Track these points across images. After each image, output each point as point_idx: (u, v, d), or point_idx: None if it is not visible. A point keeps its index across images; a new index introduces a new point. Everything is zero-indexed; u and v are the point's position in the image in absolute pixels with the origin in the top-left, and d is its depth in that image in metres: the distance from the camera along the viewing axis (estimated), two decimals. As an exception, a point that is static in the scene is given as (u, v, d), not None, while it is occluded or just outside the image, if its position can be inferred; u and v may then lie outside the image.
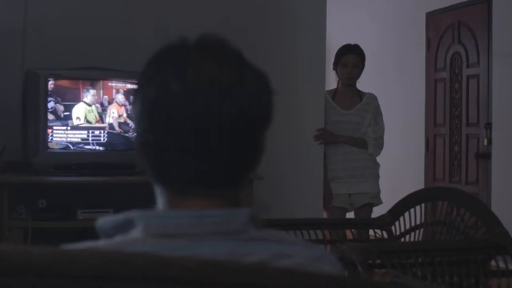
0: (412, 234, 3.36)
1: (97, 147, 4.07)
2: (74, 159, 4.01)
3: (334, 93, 4.76)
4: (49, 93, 3.95)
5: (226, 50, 1.09)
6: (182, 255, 0.86)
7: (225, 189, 1.08)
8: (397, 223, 3.40)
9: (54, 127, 3.97)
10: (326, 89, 4.82)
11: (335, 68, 4.73)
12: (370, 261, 2.56)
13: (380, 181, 4.72)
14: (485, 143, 5.97)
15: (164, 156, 1.05)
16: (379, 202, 4.65)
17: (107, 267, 0.77)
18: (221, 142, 1.04)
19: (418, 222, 3.35)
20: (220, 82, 1.04)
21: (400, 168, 6.81)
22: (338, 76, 4.74)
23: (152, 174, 1.09)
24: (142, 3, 4.41)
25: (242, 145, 1.06)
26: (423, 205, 3.35)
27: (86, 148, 4.05)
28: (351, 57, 4.64)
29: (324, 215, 4.75)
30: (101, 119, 4.06)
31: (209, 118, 1.03)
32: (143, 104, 1.07)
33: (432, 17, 6.76)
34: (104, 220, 1.07)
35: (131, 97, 1.11)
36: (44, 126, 3.93)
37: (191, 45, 1.09)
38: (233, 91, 1.05)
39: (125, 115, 4.06)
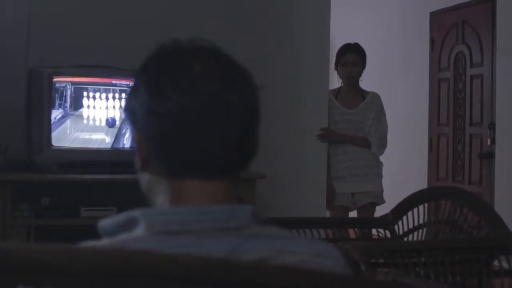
0: (415, 233, 3.36)
1: (101, 145, 4.07)
2: (77, 157, 4.02)
3: (337, 92, 4.76)
4: (53, 91, 3.95)
5: (218, 49, 1.14)
6: (185, 252, 0.86)
7: (231, 174, 1.10)
8: (400, 222, 3.39)
9: (57, 125, 3.97)
10: (329, 88, 4.83)
11: (336, 68, 4.74)
12: (372, 260, 2.56)
13: (383, 180, 4.72)
14: (489, 143, 5.96)
15: (179, 142, 1.06)
16: (382, 201, 4.65)
17: (110, 265, 0.77)
18: (229, 129, 1.07)
19: (421, 222, 3.34)
20: (224, 75, 1.09)
21: (403, 167, 6.81)
22: (339, 76, 4.75)
23: (164, 164, 1.09)
24: (146, 3, 4.42)
25: (246, 133, 1.09)
26: (426, 204, 3.35)
27: (90, 146, 4.05)
28: (351, 56, 4.65)
29: (327, 214, 4.75)
30: (105, 117, 4.07)
31: (218, 108, 1.06)
32: (152, 96, 1.08)
33: (436, 17, 6.75)
34: (106, 221, 1.08)
35: (131, 91, 1.13)
36: (48, 124, 3.93)
37: (187, 45, 1.12)
38: (237, 84, 1.09)
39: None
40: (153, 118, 1.08)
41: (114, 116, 4.07)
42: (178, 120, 1.06)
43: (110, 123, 4.08)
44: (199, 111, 1.06)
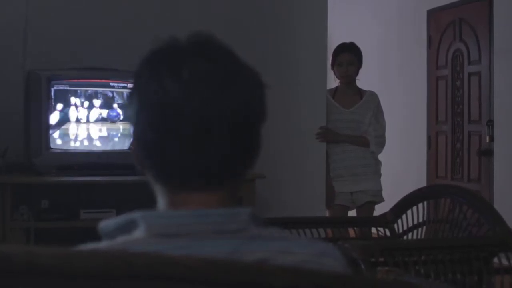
0: (415, 232, 3.36)
1: (99, 148, 4.07)
2: (76, 160, 4.01)
3: (334, 92, 4.77)
4: (51, 93, 3.95)
5: (218, 48, 1.10)
6: (185, 254, 0.86)
7: (225, 184, 1.08)
8: (399, 221, 3.39)
9: (56, 128, 3.97)
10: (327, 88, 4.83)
11: (332, 68, 4.75)
12: (372, 259, 2.56)
13: (382, 179, 4.73)
14: (487, 140, 5.96)
15: (166, 154, 1.05)
16: (381, 200, 4.65)
17: (110, 267, 0.77)
18: (222, 137, 1.04)
19: (420, 220, 3.35)
20: (217, 79, 1.06)
21: (402, 165, 6.81)
22: (335, 76, 4.76)
23: (154, 172, 1.09)
24: (144, 4, 4.41)
25: (241, 140, 1.07)
26: (425, 202, 3.35)
27: (88, 149, 4.05)
28: (346, 56, 4.66)
29: (327, 213, 4.75)
30: (103, 119, 4.06)
31: (208, 114, 1.04)
32: (141, 104, 1.07)
33: (433, 15, 6.75)
34: (106, 223, 1.08)
35: (127, 98, 1.12)
36: (46, 126, 3.93)
37: (184, 44, 1.09)
38: (230, 87, 1.06)
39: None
40: (142, 127, 1.07)
41: (111, 117, 4.07)
42: (164, 131, 1.04)
43: (109, 124, 4.07)
44: (188, 122, 1.03)
